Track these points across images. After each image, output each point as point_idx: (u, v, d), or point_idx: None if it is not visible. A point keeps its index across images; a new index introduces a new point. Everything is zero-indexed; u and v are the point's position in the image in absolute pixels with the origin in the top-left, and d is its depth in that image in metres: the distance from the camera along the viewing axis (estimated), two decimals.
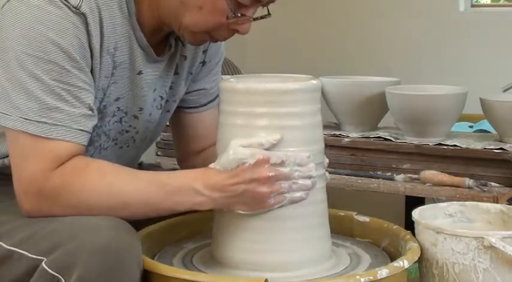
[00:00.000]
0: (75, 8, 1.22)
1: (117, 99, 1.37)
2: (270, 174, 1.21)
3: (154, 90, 1.43)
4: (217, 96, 1.58)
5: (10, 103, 1.22)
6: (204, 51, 1.51)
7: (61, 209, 1.22)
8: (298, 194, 1.24)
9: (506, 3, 3.61)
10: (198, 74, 1.54)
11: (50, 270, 1.15)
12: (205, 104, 1.58)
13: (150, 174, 1.28)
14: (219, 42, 1.51)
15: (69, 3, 1.22)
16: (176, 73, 1.47)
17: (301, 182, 1.23)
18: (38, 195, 1.22)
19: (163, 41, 1.41)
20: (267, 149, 1.22)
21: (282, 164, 1.22)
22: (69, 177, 1.22)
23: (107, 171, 1.25)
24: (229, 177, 1.22)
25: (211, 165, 1.26)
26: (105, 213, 1.22)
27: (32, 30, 1.21)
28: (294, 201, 1.24)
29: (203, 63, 1.53)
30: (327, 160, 1.33)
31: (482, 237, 1.26)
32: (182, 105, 1.56)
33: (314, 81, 1.28)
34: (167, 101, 1.49)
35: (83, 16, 1.23)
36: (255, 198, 1.22)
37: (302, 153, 1.23)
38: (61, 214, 1.22)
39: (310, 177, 1.24)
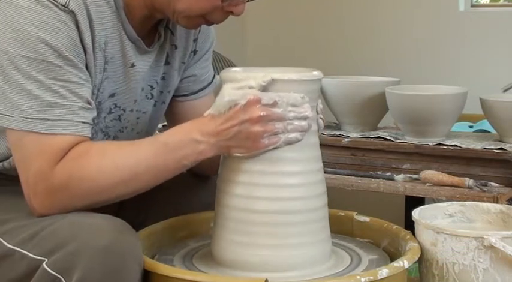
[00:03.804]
0: (63, 6, 1.22)
1: (112, 95, 1.37)
2: (261, 113, 1.21)
3: (144, 80, 1.43)
4: (209, 84, 1.58)
5: (10, 104, 1.22)
6: (195, 40, 1.51)
7: (74, 199, 1.23)
8: (293, 135, 1.24)
9: (506, 3, 3.60)
10: (189, 62, 1.54)
11: (50, 271, 1.15)
12: (197, 92, 1.56)
13: (149, 140, 1.29)
14: (209, 32, 1.51)
15: (57, 2, 1.22)
16: (167, 63, 1.46)
17: (296, 123, 1.24)
18: (47, 191, 1.22)
19: (152, 31, 1.41)
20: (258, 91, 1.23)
21: (274, 104, 1.22)
22: (73, 165, 1.22)
23: (108, 149, 1.26)
24: (223, 121, 1.23)
25: (206, 113, 1.27)
26: (118, 190, 1.24)
27: (22, 31, 1.21)
28: (289, 142, 1.24)
29: (194, 52, 1.52)
30: (321, 106, 1.32)
31: (482, 237, 1.26)
32: (174, 94, 1.55)
33: (315, 72, 1.29)
34: (161, 92, 1.48)
35: (72, 14, 1.23)
36: (249, 138, 1.23)
37: (296, 94, 1.24)
38: (74, 205, 1.23)
39: (305, 118, 1.24)
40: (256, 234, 1.25)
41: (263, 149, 1.24)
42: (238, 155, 1.25)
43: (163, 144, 1.25)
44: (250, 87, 1.22)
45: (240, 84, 1.23)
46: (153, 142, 1.27)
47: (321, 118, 1.32)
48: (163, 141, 1.26)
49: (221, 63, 2.83)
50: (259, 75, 1.23)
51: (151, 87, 1.45)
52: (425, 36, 3.14)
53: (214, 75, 1.60)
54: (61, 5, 1.22)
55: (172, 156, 1.25)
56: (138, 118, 1.45)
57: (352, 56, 3.25)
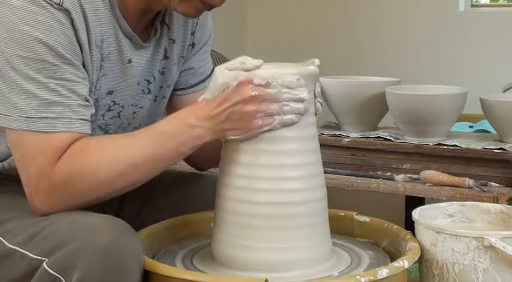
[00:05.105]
0: (58, 4, 1.22)
1: (110, 93, 1.37)
2: (253, 93, 1.21)
3: (140, 75, 1.42)
4: (208, 76, 1.56)
5: (9, 103, 1.22)
6: (192, 33, 1.50)
7: (76, 196, 1.23)
8: (288, 117, 1.23)
9: (506, 3, 3.60)
10: (187, 56, 1.53)
11: (51, 271, 1.15)
12: (195, 85, 1.56)
13: (145, 130, 1.29)
14: (206, 24, 1.51)
15: (51, 0, 1.22)
16: (166, 57, 1.46)
17: (292, 104, 1.23)
18: (48, 189, 1.22)
19: (148, 26, 1.41)
20: (249, 71, 1.23)
21: (267, 85, 1.22)
22: (73, 161, 1.22)
23: (106, 142, 1.26)
24: (217, 104, 1.23)
25: (200, 98, 1.27)
26: (118, 182, 1.24)
27: (18, 31, 1.21)
28: (284, 124, 1.23)
29: (192, 45, 1.52)
30: (319, 89, 1.31)
31: (482, 237, 1.26)
32: (173, 88, 1.54)
33: (311, 67, 1.29)
34: (161, 87, 1.48)
35: (66, 12, 1.23)
36: (242, 119, 1.22)
37: (291, 76, 1.23)
38: (77, 201, 1.24)
39: (301, 100, 1.24)
40: (256, 217, 1.24)
41: (257, 129, 1.23)
42: (234, 137, 1.25)
43: (159, 133, 1.26)
44: (242, 63, 1.23)
45: (232, 63, 1.24)
46: (150, 132, 1.27)
47: (319, 102, 1.31)
48: (160, 130, 1.26)
49: (221, 63, 2.83)
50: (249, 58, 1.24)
51: (148, 81, 1.44)
52: (426, 36, 3.14)
53: (213, 68, 1.59)
54: (55, 3, 1.22)
55: (170, 144, 1.25)
56: (134, 113, 1.44)
57: (352, 56, 3.25)
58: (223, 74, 1.24)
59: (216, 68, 1.27)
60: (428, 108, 1.91)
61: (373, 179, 1.92)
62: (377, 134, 2.04)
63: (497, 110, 1.89)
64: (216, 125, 1.24)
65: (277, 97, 1.22)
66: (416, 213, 1.37)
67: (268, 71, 1.24)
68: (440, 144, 1.91)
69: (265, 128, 1.23)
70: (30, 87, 1.21)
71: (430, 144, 1.92)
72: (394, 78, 2.18)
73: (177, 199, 1.53)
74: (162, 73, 1.47)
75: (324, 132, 2.09)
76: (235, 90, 1.22)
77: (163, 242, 1.41)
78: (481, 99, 1.93)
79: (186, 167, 1.64)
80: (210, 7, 1.35)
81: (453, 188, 1.79)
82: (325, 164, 1.39)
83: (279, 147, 1.25)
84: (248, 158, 1.25)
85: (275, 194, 1.25)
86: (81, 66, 1.27)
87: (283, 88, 1.22)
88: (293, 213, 1.25)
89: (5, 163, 1.36)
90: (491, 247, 1.25)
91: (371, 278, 1.17)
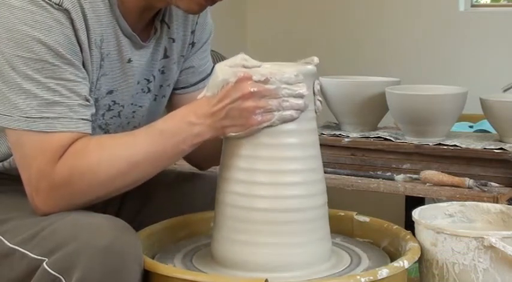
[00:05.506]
0: (57, 4, 1.22)
1: (110, 92, 1.36)
2: (252, 89, 1.21)
3: (140, 74, 1.42)
4: (208, 75, 1.56)
5: (9, 104, 1.22)
6: (192, 32, 1.50)
7: (76, 195, 1.23)
8: (288, 113, 1.23)
9: (506, 3, 3.60)
10: (187, 54, 1.53)
11: (51, 271, 1.15)
12: (195, 84, 1.55)
13: (145, 129, 1.29)
14: (206, 23, 1.51)
15: (50, 0, 1.22)
16: (166, 57, 1.46)
17: (292, 100, 1.23)
18: (49, 188, 1.22)
19: (148, 26, 1.40)
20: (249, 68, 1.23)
21: (266, 81, 1.22)
22: (73, 160, 1.22)
23: (106, 141, 1.26)
24: (217, 101, 1.24)
25: (200, 96, 1.27)
26: (119, 181, 1.24)
27: (17, 31, 1.21)
28: (284, 120, 1.24)
29: (192, 44, 1.52)
30: (318, 87, 1.31)
31: (482, 237, 1.26)
32: (173, 87, 1.54)
33: (309, 66, 1.29)
34: (161, 86, 1.48)
35: (66, 12, 1.23)
36: (242, 115, 1.22)
37: (289, 72, 1.24)
38: (78, 201, 1.24)
39: (301, 96, 1.24)
40: (255, 211, 1.24)
41: (257, 125, 1.23)
42: (233, 134, 1.25)
43: (159, 131, 1.26)
44: (243, 59, 1.23)
45: (233, 59, 1.24)
46: (150, 130, 1.27)
47: (319, 100, 1.31)
48: (160, 128, 1.27)
49: None
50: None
51: (148, 80, 1.44)
52: (426, 36, 3.14)
53: (213, 66, 1.59)
54: (55, 3, 1.22)
55: (170, 142, 1.25)
56: (134, 112, 1.44)
57: (352, 56, 3.25)
58: (223, 71, 1.24)
59: (216, 65, 1.27)
60: (428, 108, 1.91)
61: (373, 179, 1.92)
62: (377, 134, 2.04)
63: (497, 110, 1.89)
64: (215, 122, 1.24)
65: (277, 93, 1.22)
66: (416, 213, 1.37)
67: (267, 68, 1.25)
68: (440, 144, 1.91)
69: (265, 124, 1.23)
70: (30, 87, 1.21)
71: (430, 144, 1.92)
72: (394, 78, 2.19)
73: (177, 199, 1.53)
74: (162, 72, 1.47)
75: (324, 132, 2.09)
76: (235, 86, 1.22)
77: (163, 242, 1.41)
78: (481, 99, 1.93)
79: (186, 167, 1.64)
80: (213, 2, 1.34)
81: (453, 188, 1.79)
82: (325, 164, 1.39)
83: (279, 140, 1.25)
84: (248, 151, 1.26)
85: (275, 187, 1.25)
86: (81, 66, 1.27)
87: (282, 84, 1.23)
88: (293, 208, 1.25)
89: (5, 163, 1.36)
90: (491, 247, 1.25)
91: (371, 278, 1.17)
